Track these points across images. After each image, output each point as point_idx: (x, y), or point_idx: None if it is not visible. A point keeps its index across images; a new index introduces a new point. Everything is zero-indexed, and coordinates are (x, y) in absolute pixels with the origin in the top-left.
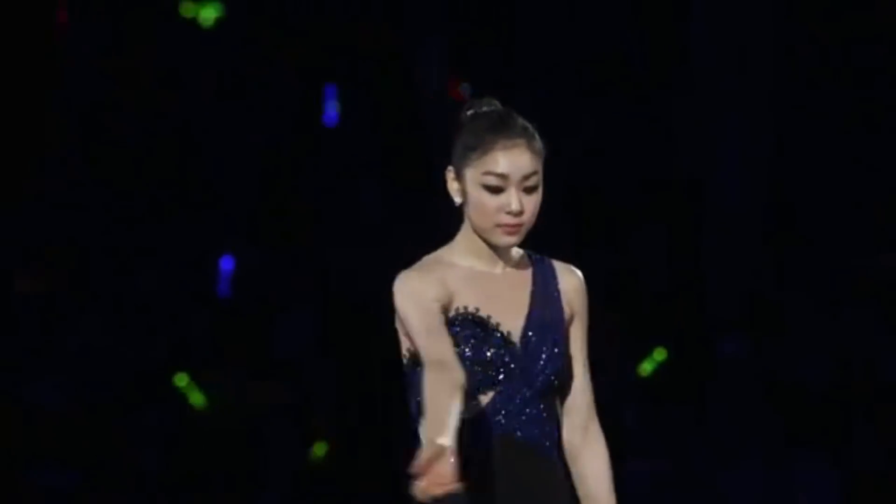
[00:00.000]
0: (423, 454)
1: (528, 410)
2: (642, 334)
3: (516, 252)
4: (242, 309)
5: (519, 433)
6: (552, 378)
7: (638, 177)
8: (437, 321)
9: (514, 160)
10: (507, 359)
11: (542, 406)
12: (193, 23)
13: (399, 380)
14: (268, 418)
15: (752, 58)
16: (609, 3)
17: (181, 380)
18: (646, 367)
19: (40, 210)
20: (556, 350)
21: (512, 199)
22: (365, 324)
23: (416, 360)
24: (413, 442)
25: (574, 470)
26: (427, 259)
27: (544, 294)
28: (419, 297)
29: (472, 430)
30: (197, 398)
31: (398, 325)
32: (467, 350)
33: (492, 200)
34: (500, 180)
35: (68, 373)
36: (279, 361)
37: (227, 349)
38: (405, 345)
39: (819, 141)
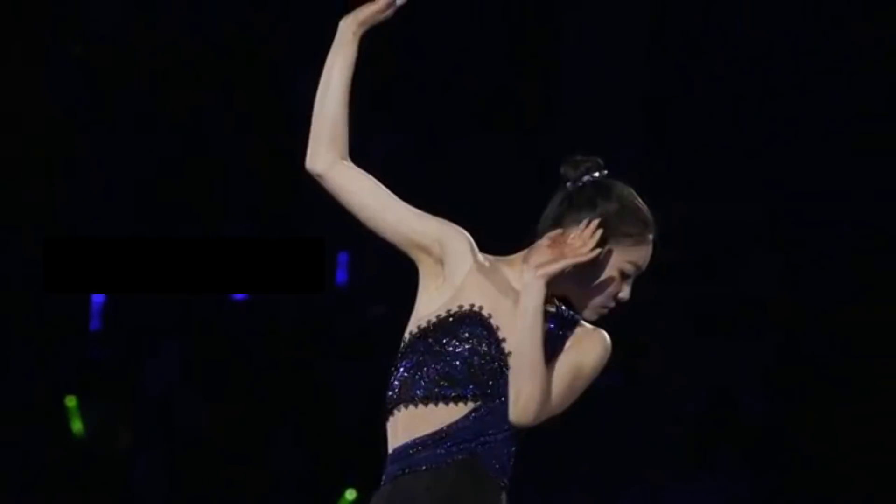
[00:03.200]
0: None
1: (498, 436)
2: None
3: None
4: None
5: (484, 453)
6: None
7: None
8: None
9: (648, 257)
10: (501, 377)
11: (509, 432)
12: None
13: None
14: (135, 453)
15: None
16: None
17: (70, 401)
18: None
19: None
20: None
21: (628, 291)
22: (235, 357)
23: (413, 343)
24: None
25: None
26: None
27: (555, 339)
28: (449, 227)
29: (443, 440)
30: (77, 425)
31: (417, 301)
32: (466, 348)
33: (616, 285)
34: (635, 271)
35: None
36: (147, 396)
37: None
38: (411, 325)
39: (686, 179)
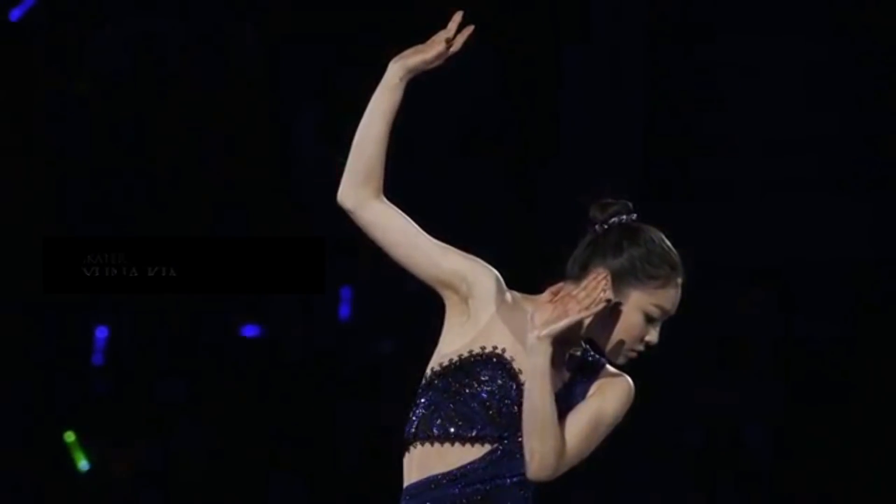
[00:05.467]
0: None
1: (511, 480)
2: None
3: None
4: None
5: (498, 496)
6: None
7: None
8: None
9: (677, 301)
10: (516, 417)
11: (518, 480)
12: None
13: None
14: (137, 486)
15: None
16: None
17: (69, 437)
18: None
19: None
20: None
21: (656, 334)
22: (238, 388)
23: (434, 380)
24: None
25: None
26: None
27: (580, 385)
28: (476, 263)
29: (457, 480)
30: (80, 458)
31: (441, 340)
32: (485, 389)
33: (642, 329)
34: (662, 315)
35: None
36: (150, 428)
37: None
38: (433, 362)
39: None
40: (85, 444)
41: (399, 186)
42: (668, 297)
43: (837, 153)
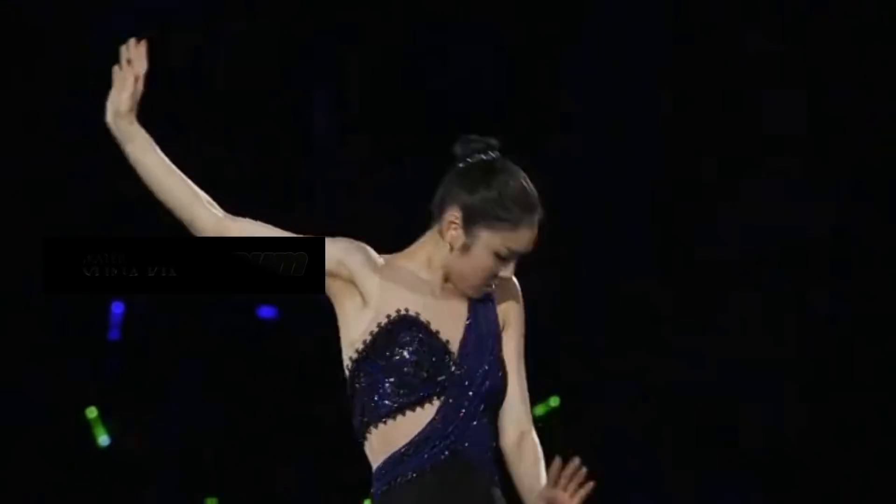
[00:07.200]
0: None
1: (473, 423)
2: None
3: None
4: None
5: (467, 445)
6: (491, 390)
7: None
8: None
9: (532, 240)
10: (451, 367)
11: (484, 419)
12: None
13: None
14: (155, 466)
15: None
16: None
17: (91, 412)
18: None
19: None
20: (492, 362)
21: (510, 269)
22: (258, 368)
23: (358, 367)
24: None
25: (514, 473)
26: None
27: (481, 306)
28: (342, 242)
29: (421, 446)
30: (101, 433)
31: (342, 336)
32: (409, 351)
33: (493, 266)
34: (513, 255)
35: None
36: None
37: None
38: (346, 353)
39: (697, 195)
40: (104, 420)
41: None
42: (519, 238)
43: None
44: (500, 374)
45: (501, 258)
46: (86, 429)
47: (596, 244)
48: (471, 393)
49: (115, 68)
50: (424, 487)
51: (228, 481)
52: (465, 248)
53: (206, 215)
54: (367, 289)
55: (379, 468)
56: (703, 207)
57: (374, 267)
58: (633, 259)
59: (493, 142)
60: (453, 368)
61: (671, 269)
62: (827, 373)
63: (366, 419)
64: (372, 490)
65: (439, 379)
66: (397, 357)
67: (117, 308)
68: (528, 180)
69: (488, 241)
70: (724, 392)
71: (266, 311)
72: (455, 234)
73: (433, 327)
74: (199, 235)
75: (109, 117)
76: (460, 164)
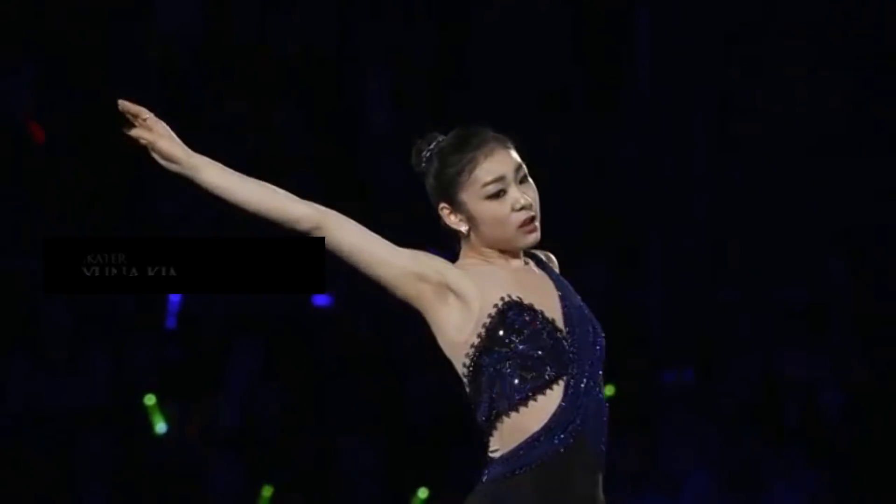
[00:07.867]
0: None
1: (594, 395)
2: None
3: (514, 252)
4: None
5: (589, 433)
6: (603, 351)
7: (581, 210)
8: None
9: (500, 161)
10: (564, 342)
11: (601, 391)
12: None
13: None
14: (213, 453)
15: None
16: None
17: (150, 399)
18: None
19: None
20: (597, 331)
21: (517, 195)
22: (314, 356)
23: (477, 363)
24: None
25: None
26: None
27: (560, 281)
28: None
29: (554, 429)
30: (159, 420)
31: (444, 342)
32: (527, 334)
33: (501, 206)
34: (499, 184)
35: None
36: (226, 394)
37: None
38: (459, 353)
39: (756, 181)
40: (162, 406)
41: None
42: (485, 170)
43: None
44: (602, 332)
45: (495, 195)
46: (144, 416)
47: None
48: (588, 364)
49: (130, 132)
50: (545, 478)
51: (284, 468)
52: (471, 219)
53: (310, 212)
54: (464, 287)
55: (504, 455)
56: None
57: (459, 267)
58: None
59: (432, 135)
60: (566, 344)
61: None
62: None
63: (496, 410)
64: (486, 473)
65: (560, 356)
66: (518, 339)
67: (174, 297)
68: (466, 127)
69: (472, 196)
70: None
71: (321, 300)
72: (454, 219)
73: (537, 308)
74: (313, 235)
75: (168, 168)
76: (419, 173)
